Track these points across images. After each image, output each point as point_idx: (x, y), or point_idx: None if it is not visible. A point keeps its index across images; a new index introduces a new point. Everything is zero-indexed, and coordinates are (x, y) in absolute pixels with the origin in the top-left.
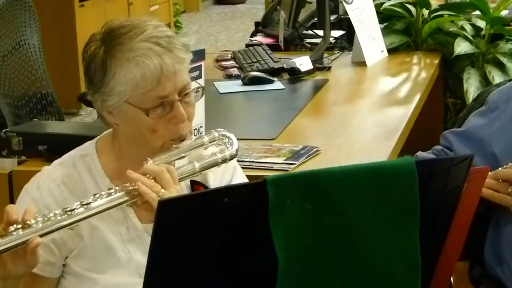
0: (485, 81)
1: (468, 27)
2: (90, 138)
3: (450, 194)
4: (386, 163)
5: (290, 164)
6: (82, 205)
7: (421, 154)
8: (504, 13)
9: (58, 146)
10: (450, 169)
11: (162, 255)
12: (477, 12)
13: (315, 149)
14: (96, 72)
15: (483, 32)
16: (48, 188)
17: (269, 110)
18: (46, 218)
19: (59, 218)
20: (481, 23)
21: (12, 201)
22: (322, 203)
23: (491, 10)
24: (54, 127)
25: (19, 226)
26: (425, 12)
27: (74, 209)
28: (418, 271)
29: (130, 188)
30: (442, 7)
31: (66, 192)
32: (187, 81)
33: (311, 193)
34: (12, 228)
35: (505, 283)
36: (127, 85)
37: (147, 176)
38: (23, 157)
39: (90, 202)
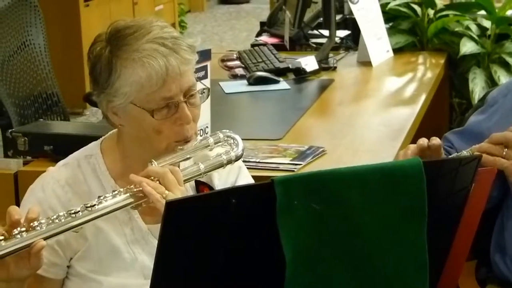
0: (491, 81)
1: (473, 27)
2: (95, 138)
3: (457, 195)
4: (393, 164)
5: (296, 164)
6: (87, 207)
7: None
8: (509, 12)
9: (63, 146)
10: (458, 170)
11: (169, 256)
12: (483, 12)
13: (321, 149)
14: (101, 72)
15: (488, 32)
16: (53, 189)
17: (274, 110)
18: (50, 221)
19: (63, 220)
20: (487, 23)
21: (18, 201)
22: (329, 204)
23: (496, 10)
24: (60, 127)
25: (23, 228)
26: (431, 12)
27: (79, 211)
28: (426, 271)
29: (135, 190)
30: (447, 7)
31: (71, 193)
32: (192, 82)
33: (319, 194)
34: (16, 231)
35: (508, 277)
36: (132, 86)
37: (151, 178)
38: (29, 158)
39: (95, 205)
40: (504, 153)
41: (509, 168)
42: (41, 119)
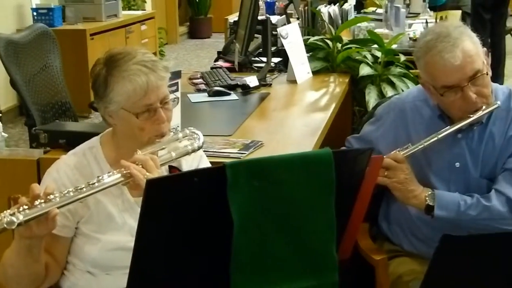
0: (381, 94)
1: (369, 56)
2: (96, 134)
3: (356, 175)
4: (311, 153)
5: (242, 153)
6: (89, 184)
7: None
8: (394, 46)
9: (73, 140)
10: (357, 158)
11: (149, 221)
12: (376, 46)
13: (260, 143)
14: (100, 86)
15: (379, 60)
16: (65, 171)
17: (227, 114)
18: (62, 195)
19: (72, 194)
20: (378, 53)
21: (39, 180)
22: (266, 181)
23: (385, 44)
24: (71, 126)
25: (42, 200)
26: (339, 45)
27: (83, 187)
28: (334, 229)
29: (125, 172)
30: (350, 42)
31: (78, 174)
32: (166, 93)
33: (258, 174)
34: (37, 202)
35: (392, 239)
36: (122, 96)
37: (136, 163)
38: (48, 148)
39: (95, 182)
40: (385, 173)
41: (389, 184)
42: (57, 120)
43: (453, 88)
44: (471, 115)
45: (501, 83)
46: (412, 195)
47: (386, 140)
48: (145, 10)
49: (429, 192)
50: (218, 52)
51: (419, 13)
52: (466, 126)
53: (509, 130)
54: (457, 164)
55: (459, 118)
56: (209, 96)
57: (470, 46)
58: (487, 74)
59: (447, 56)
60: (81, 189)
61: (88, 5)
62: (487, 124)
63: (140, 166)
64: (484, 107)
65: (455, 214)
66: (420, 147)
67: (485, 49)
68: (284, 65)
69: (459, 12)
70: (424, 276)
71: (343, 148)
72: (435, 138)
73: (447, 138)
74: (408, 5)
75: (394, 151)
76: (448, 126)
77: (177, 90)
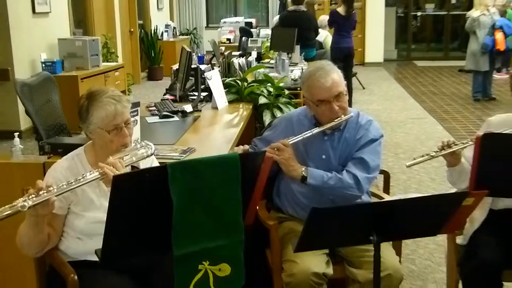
0: (273, 116)
1: (265, 90)
2: (82, 145)
3: (255, 169)
4: (224, 155)
5: (181, 156)
6: (77, 180)
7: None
8: (281, 84)
9: (67, 149)
10: (255, 158)
11: (115, 204)
12: (269, 84)
13: (193, 149)
14: (83, 113)
15: (272, 93)
16: (60, 171)
17: (171, 130)
18: (58, 187)
19: (65, 186)
20: (271, 89)
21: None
22: (194, 175)
23: (275, 83)
24: (66, 140)
25: (44, 191)
26: (245, 84)
27: (73, 182)
28: (240, 205)
29: (101, 171)
30: (253, 81)
31: (69, 173)
32: (129, 117)
33: (189, 171)
34: (41, 192)
35: (281, 208)
36: (98, 120)
37: (109, 164)
38: (50, 155)
39: (81, 178)
40: (276, 153)
41: (278, 160)
42: (57, 136)
43: (324, 102)
44: (335, 120)
45: None
46: (293, 168)
47: (279, 139)
48: (117, 62)
49: (304, 168)
50: (166, 89)
51: (297, 63)
52: (330, 131)
53: (356, 135)
54: (324, 156)
55: (327, 122)
56: (160, 118)
57: (337, 77)
58: (345, 95)
59: (322, 80)
60: (71, 183)
61: (79, 59)
62: (343, 131)
63: (112, 166)
64: (342, 116)
65: (320, 183)
66: (299, 138)
67: (345, 82)
68: (210, 97)
69: None
70: (300, 235)
71: (249, 148)
72: (310, 133)
73: (318, 139)
74: (290, 58)
75: (284, 139)
76: (319, 127)
77: (137, 114)
